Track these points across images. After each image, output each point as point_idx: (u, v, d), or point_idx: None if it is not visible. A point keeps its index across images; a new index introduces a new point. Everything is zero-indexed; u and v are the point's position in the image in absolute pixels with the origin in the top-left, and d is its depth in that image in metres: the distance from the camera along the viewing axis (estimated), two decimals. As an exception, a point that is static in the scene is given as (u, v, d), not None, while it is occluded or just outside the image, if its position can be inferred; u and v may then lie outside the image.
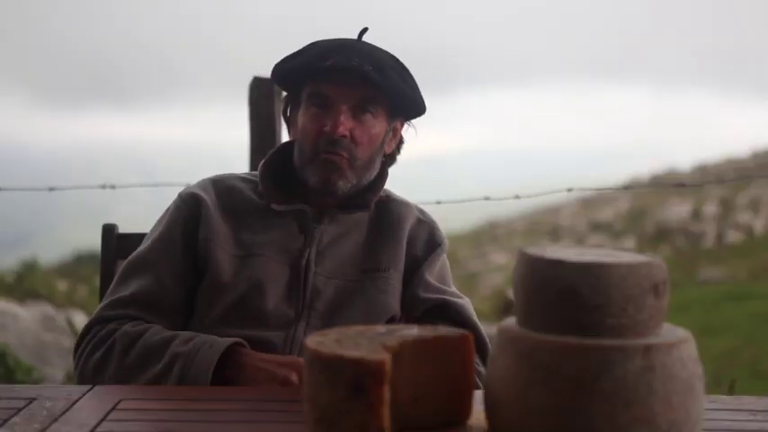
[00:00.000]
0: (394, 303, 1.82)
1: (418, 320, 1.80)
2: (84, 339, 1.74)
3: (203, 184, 1.87)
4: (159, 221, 1.86)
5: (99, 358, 1.70)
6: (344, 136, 1.75)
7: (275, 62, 1.83)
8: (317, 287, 1.78)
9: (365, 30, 1.83)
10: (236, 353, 1.63)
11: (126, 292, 1.76)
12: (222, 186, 1.86)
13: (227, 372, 1.62)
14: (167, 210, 1.86)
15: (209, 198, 1.82)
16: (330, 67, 1.74)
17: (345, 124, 1.75)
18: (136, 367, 1.66)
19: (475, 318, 1.85)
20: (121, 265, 1.83)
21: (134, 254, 1.82)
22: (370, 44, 1.83)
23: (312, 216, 1.82)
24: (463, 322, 1.80)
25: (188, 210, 1.81)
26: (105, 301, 1.78)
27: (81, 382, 1.70)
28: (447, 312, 1.82)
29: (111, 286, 1.81)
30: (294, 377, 1.57)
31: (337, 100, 1.76)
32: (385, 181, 1.90)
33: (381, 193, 1.89)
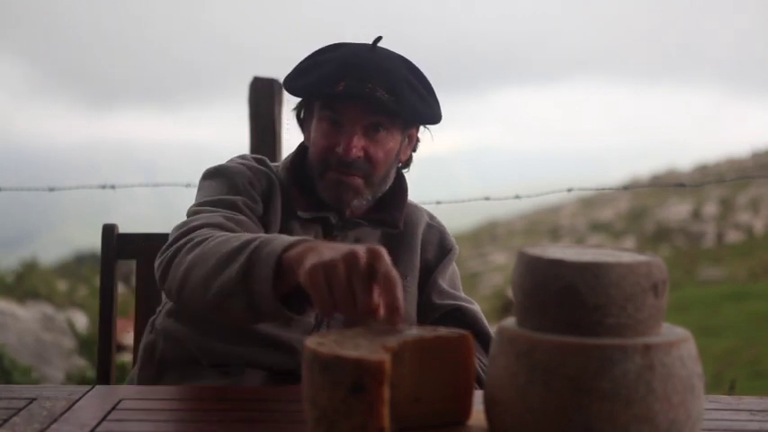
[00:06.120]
0: (411, 311, 1.81)
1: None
2: (167, 250, 1.56)
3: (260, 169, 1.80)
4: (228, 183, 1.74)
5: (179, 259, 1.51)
6: (358, 157, 1.73)
7: (288, 66, 1.79)
8: None
9: (379, 38, 1.77)
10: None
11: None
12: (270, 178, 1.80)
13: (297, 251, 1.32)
14: (226, 173, 1.75)
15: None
16: (342, 93, 1.69)
17: (358, 145, 1.72)
18: (210, 251, 1.45)
19: (487, 323, 1.85)
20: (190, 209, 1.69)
21: (206, 200, 1.70)
22: (384, 54, 1.76)
23: (336, 224, 1.81)
24: (477, 328, 1.80)
25: (261, 187, 1.76)
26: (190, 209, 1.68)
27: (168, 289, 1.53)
28: (461, 318, 1.82)
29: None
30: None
31: (350, 121, 1.72)
32: (407, 193, 1.88)
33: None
